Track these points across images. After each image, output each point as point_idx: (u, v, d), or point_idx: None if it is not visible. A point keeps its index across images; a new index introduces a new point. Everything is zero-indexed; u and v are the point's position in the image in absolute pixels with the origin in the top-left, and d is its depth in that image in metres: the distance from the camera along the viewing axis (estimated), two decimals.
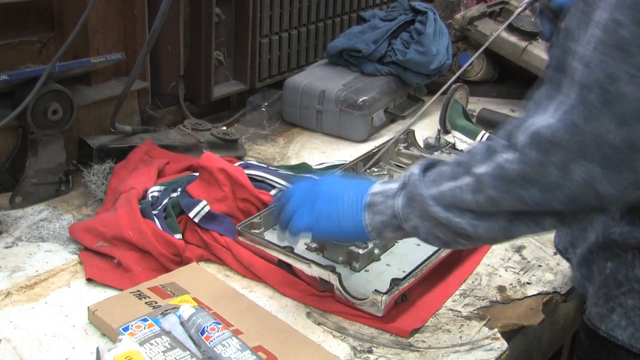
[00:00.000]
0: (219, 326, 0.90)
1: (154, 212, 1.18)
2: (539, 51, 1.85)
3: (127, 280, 1.08)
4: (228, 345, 0.88)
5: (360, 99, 1.64)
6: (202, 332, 0.89)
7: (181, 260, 1.13)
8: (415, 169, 0.85)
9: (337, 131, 1.67)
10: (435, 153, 1.46)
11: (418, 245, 1.18)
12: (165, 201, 1.22)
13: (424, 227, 0.83)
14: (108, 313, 0.98)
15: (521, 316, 1.08)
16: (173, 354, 0.86)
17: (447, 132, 1.67)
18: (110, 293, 1.06)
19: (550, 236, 1.30)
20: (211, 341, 0.88)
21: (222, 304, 1.02)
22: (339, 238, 1.04)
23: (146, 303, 1.00)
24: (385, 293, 1.01)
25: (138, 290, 1.03)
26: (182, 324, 0.91)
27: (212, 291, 1.05)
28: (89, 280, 1.09)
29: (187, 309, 0.92)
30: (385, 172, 1.42)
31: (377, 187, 0.90)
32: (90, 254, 1.14)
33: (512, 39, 1.88)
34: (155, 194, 1.24)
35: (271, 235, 1.17)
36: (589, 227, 0.94)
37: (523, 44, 1.86)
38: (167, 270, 1.10)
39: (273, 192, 1.27)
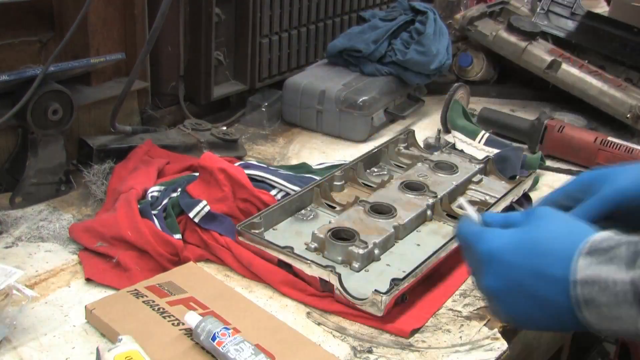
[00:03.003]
0: (229, 331, 0.90)
1: (154, 212, 1.18)
2: (539, 51, 1.85)
3: (126, 279, 1.08)
4: (242, 349, 0.88)
5: (360, 99, 1.64)
6: (214, 339, 0.89)
7: (179, 260, 1.13)
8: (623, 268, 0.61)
9: (337, 131, 1.67)
10: (435, 153, 1.46)
11: (418, 245, 1.19)
12: (165, 201, 1.22)
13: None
14: (105, 312, 0.98)
15: None
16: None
17: (447, 132, 1.67)
18: (110, 293, 1.06)
19: None
20: (224, 346, 0.88)
21: (219, 302, 1.03)
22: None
23: (143, 302, 1.01)
24: (385, 293, 1.01)
25: (135, 290, 1.03)
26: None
27: (209, 290, 1.06)
28: (88, 280, 1.09)
29: (192, 316, 0.93)
30: (386, 172, 1.42)
31: (585, 269, 0.64)
32: (90, 254, 1.14)
33: (512, 39, 1.88)
34: (155, 194, 1.24)
35: (271, 235, 1.17)
36: None
37: (523, 44, 1.86)
38: (165, 270, 1.10)
39: (273, 192, 1.28)
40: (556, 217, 0.72)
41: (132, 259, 1.10)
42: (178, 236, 1.15)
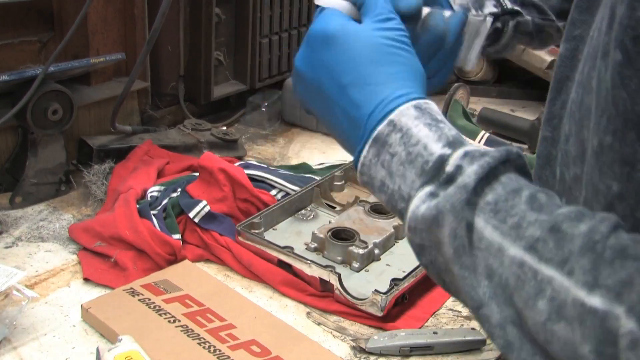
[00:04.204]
0: None
1: (153, 212, 1.18)
2: (539, 51, 1.85)
3: (123, 279, 1.08)
4: None
5: None
6: None
7: (176, 259, 1.13)
8: (471, 172, 0.52)
9: None
10: None
11: None
12: (165, 201, 1.22)
13: (447, 276, 0.55)
14: (102, 310, 0.98)
15: None
16: None
17: None
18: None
19: None
20: None
21: (215, 300, 1.03)
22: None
23: (139, 300, 1.01)
24: (385, 293, 1.01)
25: (131, 288, 1.04)
26: None
27: (205, 287, 1.06)
28: (88, 280, 1.09)
29: None
30: None
31: (403, 116, 0.58)
32: (89, 254, 1.14)
33: None
34: (155, 193, 1.24)
35: (271, 235, 1.17)
36: None
37: None
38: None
39: (273, 192, 1.28)
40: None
41: (130, 259, 1.10)
42: (177, 236, 1.15)
